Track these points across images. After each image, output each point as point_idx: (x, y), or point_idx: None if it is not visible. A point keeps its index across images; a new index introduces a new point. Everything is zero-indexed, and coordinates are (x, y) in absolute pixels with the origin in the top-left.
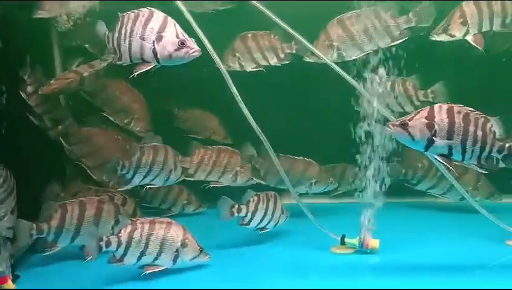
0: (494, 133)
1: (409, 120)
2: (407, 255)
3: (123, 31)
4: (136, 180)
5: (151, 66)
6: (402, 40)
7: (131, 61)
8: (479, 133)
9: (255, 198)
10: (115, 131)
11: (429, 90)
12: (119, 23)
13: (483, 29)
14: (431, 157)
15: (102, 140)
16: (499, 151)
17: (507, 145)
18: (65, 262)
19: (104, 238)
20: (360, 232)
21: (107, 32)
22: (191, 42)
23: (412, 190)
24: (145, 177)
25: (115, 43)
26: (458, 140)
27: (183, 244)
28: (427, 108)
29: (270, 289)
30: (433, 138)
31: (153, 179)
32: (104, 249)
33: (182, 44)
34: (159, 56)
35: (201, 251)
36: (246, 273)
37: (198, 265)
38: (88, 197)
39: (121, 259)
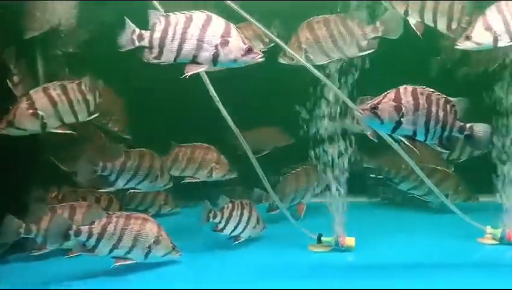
0: (455, 113)
1: (378, 104)
2: (382, 253)
3: (171, 31)
4: (120, 183)
5: (204, 68)
6: (370, 51)
7: (174, 61)
8: (441, 113)
9: (229, 205)
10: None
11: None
12: (163, 22)
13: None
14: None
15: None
16: (460, 131)
17: (468, 125)
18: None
19: (74, 227)
20: (334, 231)
21: (136, 30)
22: (256, 48)
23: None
24: (129, 181)
25: (156, 42)
26: (422, 121)
27: (157, 241)
28: (393, 90)
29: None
30: (401, 119)
31: (138, 184)
32: (72, 237)
33: (249, 50)
34: (221, 59)
35: (173, 248)
36: (219, 273)
37: (175, 262)
38: (78, 201)
39: (92, 249)
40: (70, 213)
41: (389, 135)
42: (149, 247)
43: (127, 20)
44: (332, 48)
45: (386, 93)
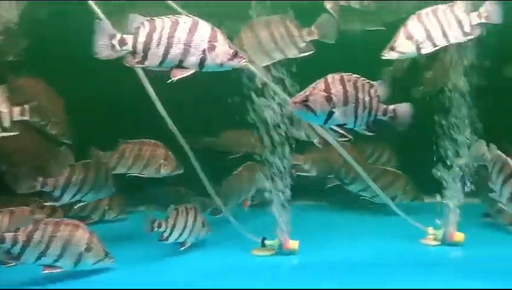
0: (379, 96)
1: (309, 95)
2: (326, 256)
3: (156, 36)
4: (66, 199)
5: (190, 72)
6: (308, 52)
7: (160, 65)
8: (367, 98)
9: (174, 213)
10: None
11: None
12: (148, 26)
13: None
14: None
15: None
16: (384, 114)
17: (391, 107)
18: None
19: None
20: (278, 234)
21: (117, 35)
22: (241, 52)
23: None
24: (75, 195)
25: (140, 46)
26: (352, 108)
27: (88, 248)
28: (321, 81)
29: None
30: (333, 110)
31: (84, 196)
32: None
33: (236, 54)
34: (208, 64)
35: (106, 254)
36: (161, 279)
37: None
38: (19, 208)
39: (18, 257)
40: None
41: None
42: (79, 254)
43: (104, 24)
44: (274, 48)
45: (314, 84)
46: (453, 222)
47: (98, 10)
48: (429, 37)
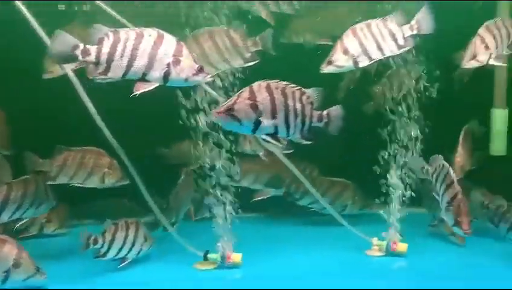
0: (312, 103)
1: (233, 104)
2: (270, 268)
3: (120, 47)
4: (5, 217)
5: (154, 86)
6: (253, 62)
7: (122, 77)
8: (298, 106)
9: (112, 227)
10: None
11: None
12: (112, 38)
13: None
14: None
15: None
16: (319, 120)
17: (324, 113)
18: None
19: None
20: (220, 247)
21: (80, 45)
22: (205, 68)
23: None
24: (14, 213)
25: (104, 57)
26: (282, 116)
27: (16, 264)
28: (246, 89)
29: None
30: (259, 118)
31: (23, 213)
32: None
33: (200, 70)
34: (172, 78)
35: (37, 270)
36: None
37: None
38: None
39: None
40: None
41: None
42: (7, 271)
43: (65, 34)
44: (218, 59)
45: (239, 92)
46: (395, 232)
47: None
48: (364, 51)
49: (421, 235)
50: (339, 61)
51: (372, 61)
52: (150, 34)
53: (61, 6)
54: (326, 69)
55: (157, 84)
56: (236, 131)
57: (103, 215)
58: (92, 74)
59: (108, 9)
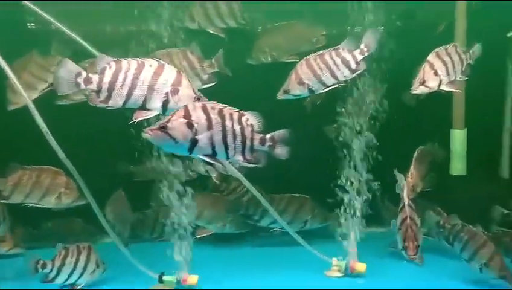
0: (252, 126)
1: (167, 122)
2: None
3: (121, 76)
4: None
5: (153, 114)
6: (210, 84)
7: (123, 106)
8: (237, 127)
9: (63, 251)
10: None
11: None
12: (114, 67)
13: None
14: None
15: None
16: (262, 143)
17: (268, 136)
18: None
19: None
20: (178, 269)
21: (83, 73)
22: (203, 97)
23: None
24: None
25: (105, 86)
26: (219, 137)
27: None
28: (181, 108)
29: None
30: (196, 137)
31: None
32: None
33: (199, 99)
34: (171, 107)
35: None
36: None
37: None
38: None
39: None
40: None
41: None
42: None
43: (69, 62)
44: None
45: (175, 111)
46: (354, 252)
47: None
48: (319, 79)
49: (381, 255)
50: (294, 90)
51: (328, 88)
52: (151, 64)
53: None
54: (282, 96)
55: (156, 113)
56: (172, 151)
57: (60, 236)
58: (94, 101)
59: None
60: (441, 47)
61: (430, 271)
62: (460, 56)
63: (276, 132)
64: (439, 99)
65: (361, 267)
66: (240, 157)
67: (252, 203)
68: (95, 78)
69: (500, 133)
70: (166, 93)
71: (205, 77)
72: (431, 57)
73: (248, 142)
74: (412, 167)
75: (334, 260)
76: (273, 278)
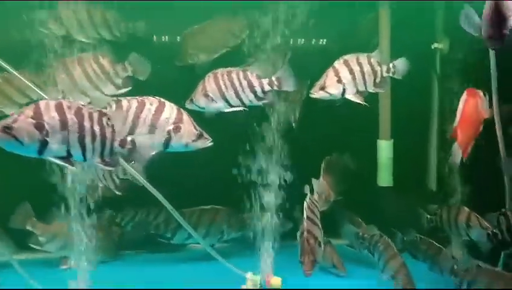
0: (113, 126)
1: (13, 122)
2: None
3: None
4: None
5: (155, 151)
6: (126, 89)
7: None
8: (96, 128)
9: None
10: None
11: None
12: (114, 107)
13: None
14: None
15: None
16: (122, 145)
17: (128, 139)
18: None
19: None
20: None
21: None
22: (205, 133)
23: None
24: None
25: None
26: (75, 138)
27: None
28: (32, 106)
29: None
30: (46, 139)
31: None
32: None
33: (200, 135)
34: (173, 144)
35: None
36: None
37: None
38: None
39: None
40: None
41: None
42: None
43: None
44: (89, 87)
45: (23, 109)
46: (269, 266)
47: None
48: (223, 96)
49: (298, 268)
50: (199, 102)
51: (231, 109)
52: (152, 102)
53: None
54: (189, 105)
55: (158, 150)
56: (19, 153)
57: None
58: None
59: None
60: (351, 54)
61: (350, 284)
62: (373, 67)
63: (137, 136)
64: (366, 109)
65: (276, 281)
66: (98, 159)
67: (161, 221)
68: None
69: (426, 145)
70: (168, 131)
71: (118, 81)
72: (337, 63)
73: (108, 144)
74: (321, 178)
75: (249, 275)
76: None
